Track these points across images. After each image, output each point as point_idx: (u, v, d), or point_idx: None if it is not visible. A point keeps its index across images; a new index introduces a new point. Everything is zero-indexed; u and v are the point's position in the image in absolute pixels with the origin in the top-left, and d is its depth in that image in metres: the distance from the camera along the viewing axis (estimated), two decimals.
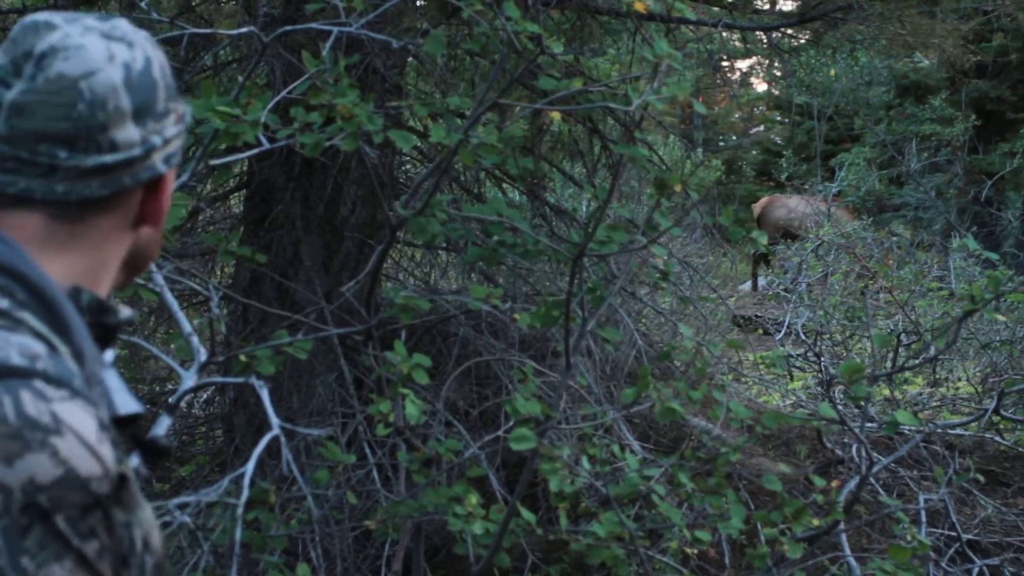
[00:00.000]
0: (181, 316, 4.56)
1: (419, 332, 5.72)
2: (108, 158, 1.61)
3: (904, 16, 5.98)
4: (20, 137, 1.58)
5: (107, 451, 1.45)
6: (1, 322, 1.49)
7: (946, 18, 6.37)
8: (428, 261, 7.08)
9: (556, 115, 4.72)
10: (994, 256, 6.54)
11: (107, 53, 1.62)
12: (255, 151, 4.34)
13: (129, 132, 1.63)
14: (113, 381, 1.64)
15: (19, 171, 1.60)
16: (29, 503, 1.36)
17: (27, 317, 1.52)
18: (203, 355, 4.36)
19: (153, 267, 4.04)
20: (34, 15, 1.70)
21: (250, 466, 4.16)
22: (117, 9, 6.41)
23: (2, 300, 1.52)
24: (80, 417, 1.43)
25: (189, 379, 4.30)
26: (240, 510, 4.04)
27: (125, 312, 1.72)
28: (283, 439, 4.28)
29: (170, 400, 4.30)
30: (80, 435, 1.42)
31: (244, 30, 4.46)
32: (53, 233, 1.64)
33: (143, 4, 4.62)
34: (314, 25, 4.46)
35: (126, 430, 1.66)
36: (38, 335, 1.51)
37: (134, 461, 1.71)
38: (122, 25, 1.70)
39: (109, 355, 1.73)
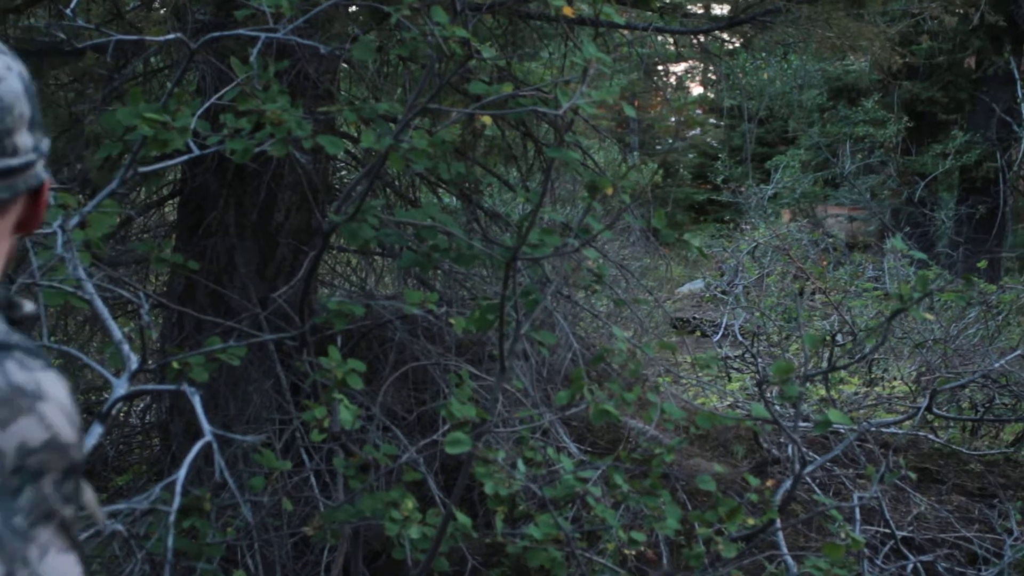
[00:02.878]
0: (112, 324, 4.53)
1: (355, 337, 5.72)
2: (12, 161, 1.64)
3: (831, 19, 6.03)
4: None
5: (79, 421, 1.53)
6: None
7: (873, 21, 6.43)
8: (364, 267, 7.07)
9: (487, 119, 4.73)
10: (923, 256, 6.60)
11: (5, 64, 1.66)
12: (185, 157, 4.33)
13: (26, 139, 1.66)
14: None
15: None
16: (20, 465, 1.41)
17: None
18: (134, 363, 4.34)
19: (83, 275, 4.01)
20: None
21: (181, 473, 4.14)
22: (44, 17, 6.38)
23: None
24: (57, 386, 1.50)
25: (120, 387, 4.27)
26: (172, 517, 4.01)
27: (28, 307, 1.72)
28: (216, 446, 4.26)
29: (102, 409, 4.27)
30: (60, 403, 1.48)
31: (171, 36, 4.44)
32: None
33: (68, 11, 4.60)
34: (241, 31, 4.44)
35: None
36: None
37: None
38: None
39: None
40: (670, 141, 27.81)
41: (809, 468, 6.07)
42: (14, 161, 1.64)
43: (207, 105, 4.25)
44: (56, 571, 1.43)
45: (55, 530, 1.45)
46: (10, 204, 1.69)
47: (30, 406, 1.44)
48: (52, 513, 1.45)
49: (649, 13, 6.45)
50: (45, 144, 1.74)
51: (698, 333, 12.73)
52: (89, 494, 1.66)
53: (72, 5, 4.58)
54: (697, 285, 16.19)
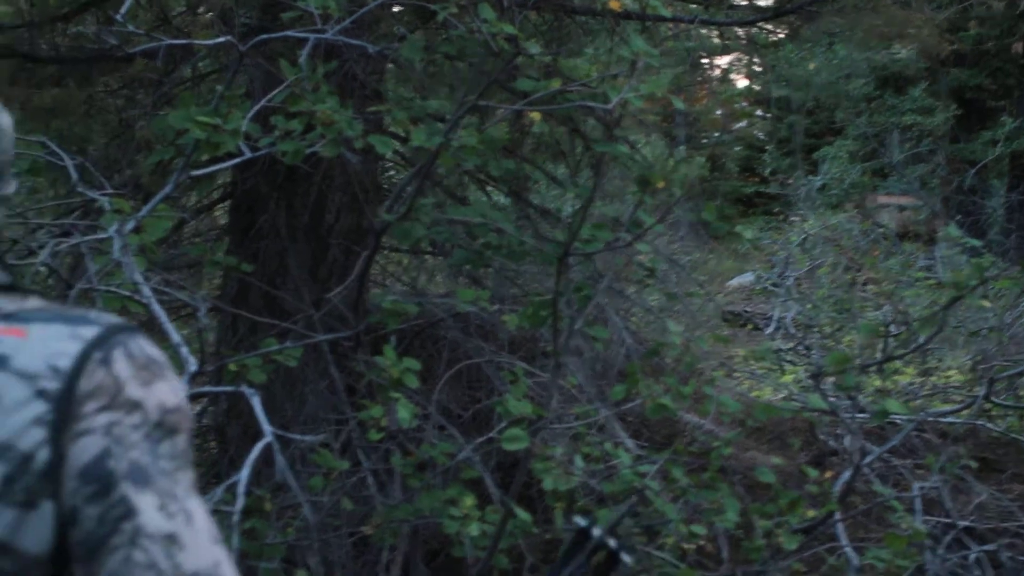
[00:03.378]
0: (170, 327, 4.55)
1: (408, 337, 5.73)
2: (9, 190, 1.74)
3: (879, 7, 6.00)
4: None
5: None
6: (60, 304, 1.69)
7: (920, 8, 6.40)
8: (415, 266, 7.07)
9: (536, 116, 4.73)
10: (977, 243, 6.56)
11: None
12: (237, 160, 4.35)
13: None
14: None
15: None
16: (160, 421, 1.54)
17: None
18: (193, 365, 4.36)
19: (140, 279, 4.04)
20: None
21: (244, 473, 4.15)
22: (93, 23, 6.41)
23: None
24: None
25: None
26: (237, 518, 4.03)
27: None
28: (276, 446, 4.28)
29: None
30: (177, 378, 1.62)
31: (221, 40, 4.47)
32: None
33: (118, 17, 4.63)
34: (290, 33, 4.47)
35: None
36: None
37: None
38: None
39: None
40: (716, 134, 27.67)
41: (869, 458, 6.04)
42: (10, 190, 1.76)
43: (258, 107, 4.27)
44: (200, 510, 1.51)
45: (188, 484, 1.53)
46: None
47: (162, 373, 1.57)
48: (187, 466, 1.54)
49: (693, 6, 6.43)
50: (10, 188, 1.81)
51: (749, 326, 12.68)
52: None
53: (123, 11, 4.61)
54: (747, 278, 16.11)
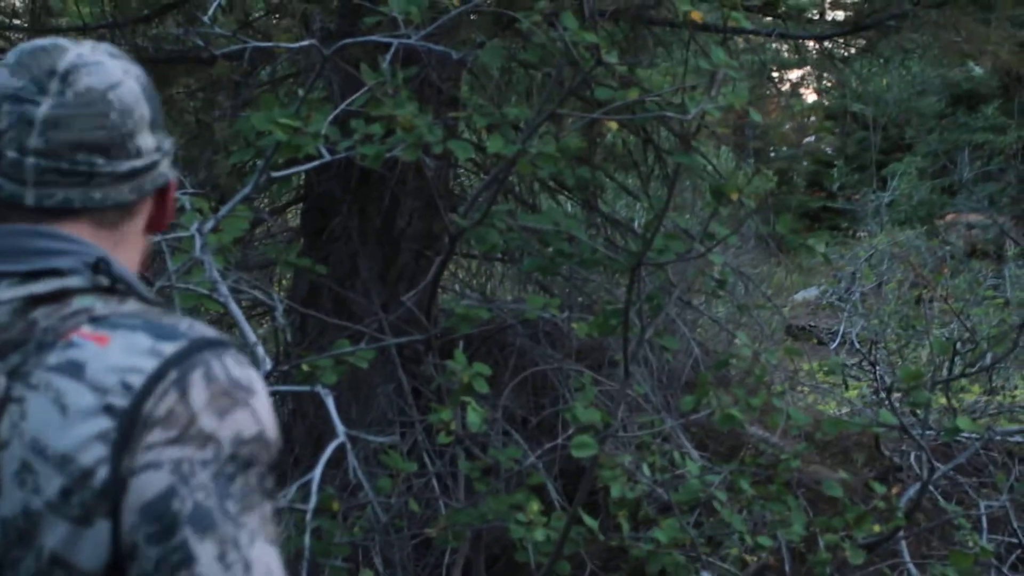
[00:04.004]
0: (246, 326, 4.59)
1: (476, 342, 5.75)
2: (137, 163, 1.70)
3: (959, 23, 5.97)
4: (58, 149, 1.65)
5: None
6: (168, 311, 1.67)
7: (1002, 25, 6.35)
8: (484, 271, 7.10)
9: (613, 124, 4.76)
10: None
11: (122, 68, 1.71)
12: (315, 163, 4.38)
13: (148, 139, 1.72)
14: None
15: (56, 183, 1.66)
16: (235, 454, 1.50)
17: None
18: (268, 364, 4.40)
19: (218, 277, 4.08)
20: (36, 40, 1.78)
21: (317, 472, 4.19)
22: (174, 25, 6.48)
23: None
24: (262, 385, 1.60)
25: None
26: (309, 516, 4.07)
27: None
28: (349, 446, 4.32)
29: None
30: (265, 400, 1.58)
31: (305, 43, 4.51)
32: (101, 241, 1.70)
33: (205, 19, 4.68)
34: (375, 38, 4.49)
35: None
36: None
37: None
38: (112, 47, 1.78)
39: None
40: (784, 148, 27.55)
41: (937, 474, 6.02)
42: (138, 163, 1.69)
43: (339, 110, 4.31)
44: (263, 558, 1.48)
45: (262, 520, 1.51)
46: (139, 205, 1.75)
47: (245, 400, 1.53)
48: (261, 503, 1.52)
49: (768, 19, 6.43)
50: (168, 144, 1.78)
51: (814, 340, 12.63)
52: None
53: (209, 13, 4.67)
54: (811, 293, 16.04)
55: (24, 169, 1.65)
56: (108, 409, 1.48)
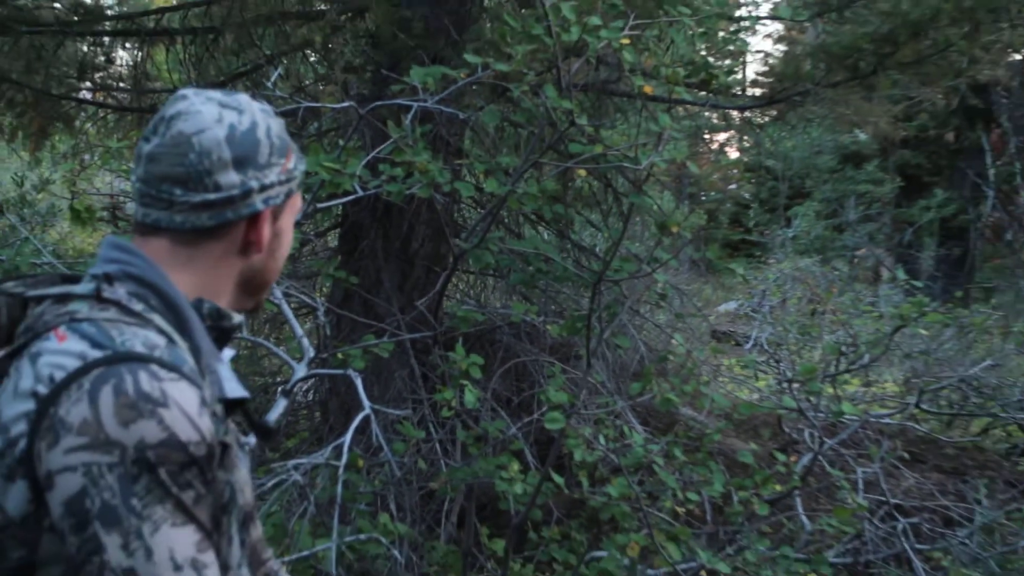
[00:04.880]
0: (295, 323, 4.60)
1: (471, 339, 5.73)
2: (212, 196, 1.64)
3: (848, 100, 5.98)
4: (151, 179, 1.64)
5: (205, 423, 1.52)
6: (135, 321, 1.57)
7: (880, 102, 6.37)
8: (479, 284, 7.07)
9: (582, 172, 4.75)
10: (920, 284, 6.58)
11: (217, 116, 1.66)
12: (351, 197, 4.38)
13: (230, 177, 1.65)
14: (225, 372, 1.72)
15: (151, 205, 1.65)
16: (139, 457, 1.44)
17: (155, 318, 1.61)
18: (311, 352, 4.39)
19: (273, 284, 4.08)
20: (181, 89, 1.76)
21: (348, 437, 4.19)
22: (244, 88, 6.45)
23: (138, 304, 1.61)
24: (186, 395, 1.50)
25: (300, 371, 4.32)
26: (342, 471, 4.07)
27: (237, 318, 1.77)
28: (373, 417, 4.31)
29: (285, 387, 4.33)
30: (183, 409, 1.49)
31: (345, 104, 4.51)
32: (176, 255, 1.68)
33: (268, 84, 4.68)
34: (399, 101, 4.49)
35: (237, 411, 1.74)
36: (162, 332, 1.58)
37: (251, 439, 1.77)
38: (241, 98, 1.73)
39: (228, 352, 1.80)
40: (713, 193, 27.56)
41: (825, 447, 6.04)
42: (213, 196, 1.64)
43: (370, 157, 4.31)
44: (165, 543, 1.46)
45: (172, 509, 1.47)
46: (223, 229, 1.69)
47: (151, 410, 1.46)
48: (167, 496, 1.47)
49: (703, 93, 6.43)
50: (272, 179, 1.71)
51: (733, 342, 12.62)
52: (243, 473, 1.70)
53: (272, 79, 4.66)
54: (732, 305, 16.00)
55: (135, 191, 1.67)
56: (35, 395, 1.48)
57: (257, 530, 1.90)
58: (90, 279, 1.63)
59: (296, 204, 1.80)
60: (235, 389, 1.70)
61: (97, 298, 1.59)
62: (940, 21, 5.61)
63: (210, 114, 1.66)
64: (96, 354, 1.48)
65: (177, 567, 1.46)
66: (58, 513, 1.45)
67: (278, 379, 6.84)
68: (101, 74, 6.98)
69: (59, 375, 1.47)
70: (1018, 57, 19.59)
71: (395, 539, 4.31)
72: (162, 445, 1.45)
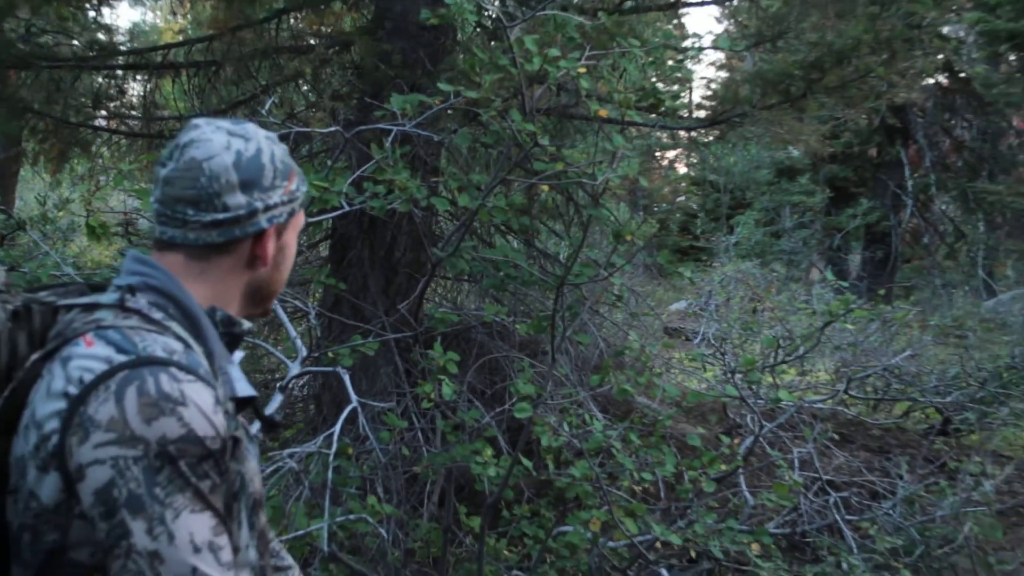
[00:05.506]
0: (289, 325, 4.57)
1: (449, 338, 5.72)
2: (221, 216, 1.65)
3: (782, 121, 6.01)
4: (167, 200, 1.65)
5: (220, 420, 1.53)
6: (155, 328, 1.58)
7: (810, 122, 6.39)
8: (455, 288, 7.05)
9: (545, 187, 4.74)
10: (845, 284, 6.61)
11: (225, 144, 1.67)
12: (338, 212, 4.35)
13: (237, 198, 1.66)
14: (236, 373, 1.72)
15: (167, 223, 1.66)
16: (161, 451, 1.46)
17: (173, 326, 1.61)
18: (303, 352, 4.36)
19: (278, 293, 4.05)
20: (194, 119, 1.77)
21: (337, 427, 4.16)
22: (243, 115, 6.41)
23: (158, 313, 1.62)
24: (202, 395, 1.51)
25: (295, 368, 4.30)
26: (332, 457, 4.04)
27: (246, 324, 1.77)
28: (360, 409, 4.29)
29: (281, 383, 4.30)
30: (200, 407, 1.50)
31: (332, 129, 4.49)
32: (190, 268, 1.68)
33: (263, 111, 4.65)
34: (381, 125, 4.47)
35: (247, 407, 1.74)
36: (179, 338, 1.59)
37: (255, 429, 1.76)
38: (248, 126, 1.74)
39: (238, 355, 1.80)
40: (664, 205, 27.62)
41: (765, 430, 6.05)
42: (221, 215, 1.64)
43: (355, 176, 4.29)
44: (185, 527, 1.47)
45: (191, 497, 1.48)
46: (232, 245, 1.69)
47: (172, 409, 1.47)
48: (187, 486, 1.48)
49: (654, 115, 6.44)
50: (275, 199, 1.71)
51: (683, 337, 12.64)
52: (252, 464, 1.69)
53: (266, 107, 4.63)
54: (681, 305, 16.03)
55: (153, 211, 1.67)
56: (66, 395, 1.48)
57: (265, 515, 1.90)
58: (114, 290, 1.64)
59: (299, 221, 1.80)
60: (245, 388, 1.71)
61: (121, 307, 1.60)
62: (861, 50, 5.64)
63: (219, 142, 1.67)
64: (121, 358, 1.49)
65: (196, 549, 1.47)
66: (89, 502, 1.46)
67: (276, 376, 6.80)
68: (114, 104, 6.95)
69: (88, 377, 1.48)
70: (931, 81, 19.88)
71: (382, 519, 4.29)
72: (182, 440, 1.47)
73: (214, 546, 1.50)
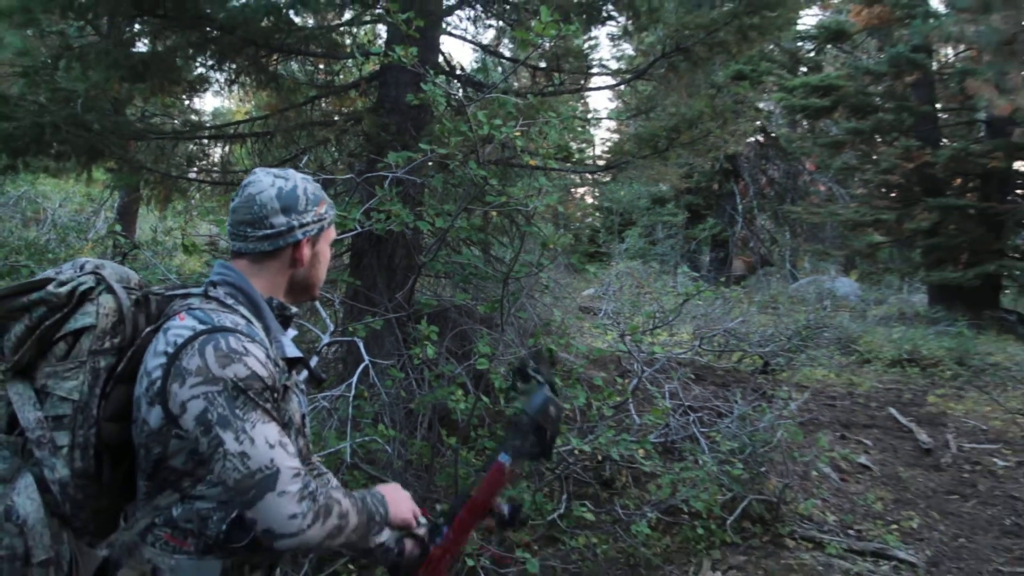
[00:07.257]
0: (321, 309, 4.52)
1: (432, 316, 5.67)
2: (269, 231, 1.67)
3: (654, 166, 6.05)
4: (235, 223, 1.68)
5: (271, 368, 1.55)
6: (227, 309, 1.60)
7: (673, 166, 6.44)
8: (436, 283, 7.02)
9: (495, 213, 4.73)
10: (698, 275, 6.66)
11: (271, 183, 1.69)
12: (354, 232, 4.32)
13: (279, 219, 1.67)
14: (286, 341, 1.72)
15: (236, 239, 1.69)
16: (235, 385, 1.48)
17: (241, 308, 1.63)
18: (332, 327, 4.32)
19: (319, 286, 3.99)
20: (254, 169, 1.78)
21: (355, 378, 4.13)
22: (284, 165, 6.32)
23: (230, 299, 1.64)
24: (257, 351, 1.53)
25: (326, 339, 4.26)
26: (351, 398, 4.01)
27: (294, 309, 1.77)
28: (371, 367, 4.26)
29: (317, 349, 4.26)
30: (257, 357, 1.52)
31: (349, 176, 4.45)
32: (251, 269, 1.70)
33: (301, 165, 4.59)
34: (381, 173, 4.44)
35: (298, 365, 1.73)
36: (244, 316, 1.61)
37: (302, 379, 1.76)
38: (289, 171, 1.75)
39: (291, 332, 1.80)
40: (576, 224, 27.67)
41: (646, 374, 6.09)
42: (269, 231, 1.66)
43: (365, 207, 4.25)
44: (261, 433, 1.48)
45: (260, 414, 1.49)
46: (278, 252, 1.70)
47: (239, 358, 1.49)
48: (257, 406, 1.48)
49: (568, 164, 6.44)
50: (307, 219, 1.70)
51: (592, 313, 12.69)
52: (294, 404, 1.67)
53: (303, 162, 4.57)
54: (590, 291, 16.09)
55: (227, 232, 1.70)
56: (166, 353, 1.51)
57: (304, 439, 1.91)
58: (203, 285, 1.67)
59: (330, 235, 1.80)
60: (293, 351, 1.70)
61: (205, 296, 1.62)
62: (704, 118, 5.69)
63: (267, 181, 1.69)
64: (202, 327, 1.52)
65: (271, 446, 1.48)
66: (191, 426, 1.47)
67: (314, 344, 6.72)
68: (201, 162, 6.90)
69: (180, 340, 1.51)
70: (751, 139, 20.16)
71: (388, 440, 4.27)
72: (248, 378, 1.49)
73: (282, 443, 1.50)
